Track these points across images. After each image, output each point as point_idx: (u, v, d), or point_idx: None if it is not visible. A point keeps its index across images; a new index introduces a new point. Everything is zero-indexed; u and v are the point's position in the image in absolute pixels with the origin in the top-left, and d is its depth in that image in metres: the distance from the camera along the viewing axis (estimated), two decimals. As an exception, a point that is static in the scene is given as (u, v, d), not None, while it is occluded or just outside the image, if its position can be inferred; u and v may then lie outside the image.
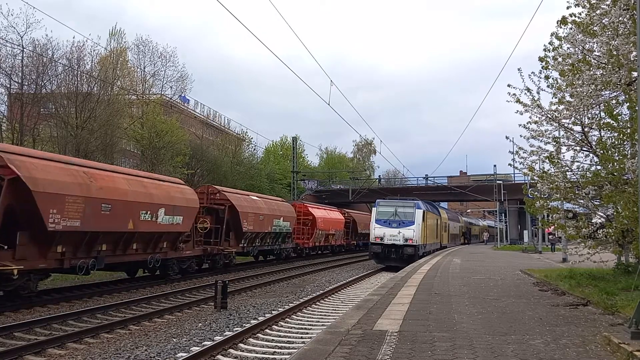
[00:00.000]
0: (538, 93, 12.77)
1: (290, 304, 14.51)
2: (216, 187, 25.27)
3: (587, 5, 11.43)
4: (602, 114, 12.42)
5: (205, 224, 22.52)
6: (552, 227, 16.29)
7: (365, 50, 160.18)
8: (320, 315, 13.57)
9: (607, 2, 11.05)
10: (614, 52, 10.73)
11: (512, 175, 53.66)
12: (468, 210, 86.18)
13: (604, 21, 11.05)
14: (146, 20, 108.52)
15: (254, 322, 11.76)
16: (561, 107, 12.58)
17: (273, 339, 10.51)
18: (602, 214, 13.75)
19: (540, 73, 12.63)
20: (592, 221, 13.73)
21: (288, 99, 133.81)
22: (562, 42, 12.24)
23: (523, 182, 35.25)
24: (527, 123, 13.14)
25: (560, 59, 12.30)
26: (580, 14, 11.70)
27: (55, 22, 77.14)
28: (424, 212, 29.50)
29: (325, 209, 39.74)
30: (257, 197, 29.11)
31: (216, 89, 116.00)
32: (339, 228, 40.61)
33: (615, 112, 11.39)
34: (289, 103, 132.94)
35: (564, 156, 13.56)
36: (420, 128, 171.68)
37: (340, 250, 42.51)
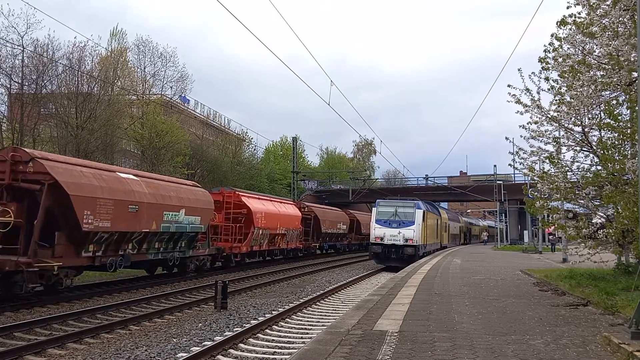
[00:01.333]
0: (538, 93, 12.79)
1: (290, 304, 14.51)
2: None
3: (587, 5, 11.43)
4: (602, 114, 12.42)
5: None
6: (553, 228, 16.29)
7: (366, 50, 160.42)
8: (320, 315, 13.58)
9: (607, 3, 11.05)
10: (614, 53, 10.73)
11: (512, 175, 53.67)
12: (468, 211, 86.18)
13: (604, 22, 11.05)
14: (147, 21, 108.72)
15: (254, 322, 11.76)
16: (561, 107, 12.59)
17: (273, 339, 10.52)
18: (602, 214, 13.75)
19: (541, 73, 12.65)
20: (593, 221, 13.72)
21: (289, 99, 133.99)
22: (562, 42, 12.25)
23: (523, 182, 35.26)
24: (527, 123, 13.15)
25: (560, 60, 12.30)
26: (579, 13, 11.71)
27: (56, 22, 77.12)
28: (424, 212, 29.50)
29: (270, 200, 29.77)
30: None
31: (217, 89, 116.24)
32: (292, 226, 30.96)
33: (615, 113, 11.38)
34: (290, 103, 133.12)
35: (564, 156, 13.57)
36: (420, 128, 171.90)
37: (295, 254, 33.22)
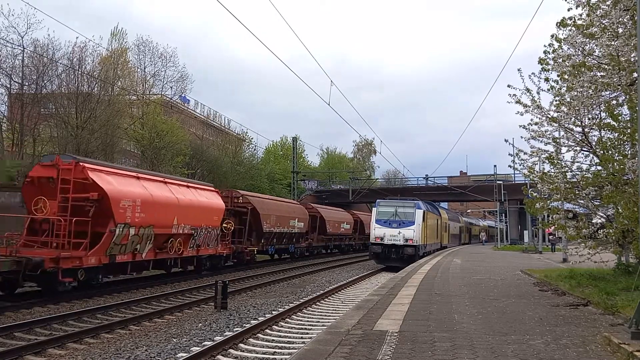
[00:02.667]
0: (538, 94, 12.79)
1: (290, 304, 14.51)
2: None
3: (587, 6, 11.42)
4: (603, 114, 12.43)
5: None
6: (553, 228, 16.30)
7: (367, 50, 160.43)
8: (321, 315, 13.58)
9: (607, 3, 11.06)
10: (614, 54, 10.73)
11: (512, 175, 53.67)
12: (468, 211, 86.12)
13: (604, 22, 11.05)
14: (150, 21, 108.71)
15: (254, 322, 11.76)
16: (562, 108, 12.59)
17: (273, 339, 10.52)
18: (602, 214, 13.75)
19: (541, 74, 12.65)
20: (593, 221, 13.73)
21: (291, 99, 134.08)
22: (562, 43, 12.25)
23: (523, 182, 35.24)
24: (528, 124, 13.16)
25: (560, 61, 12.30)
26: (580, 15, 11.71)
27: (57, 22, 77.14)
28: (424, 212, 29.50)
29: (160, 182, 19.00)
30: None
31: (219, 89, 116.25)
32: (208, 223, 21.19)
33: (615, 113, 11.38)
34: (292, 103, 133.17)
35: (564, 157, 13.57)
36: (421, 128, 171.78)
37: (215, 265, 22.88)
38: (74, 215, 14.50)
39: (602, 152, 12.13)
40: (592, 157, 13.15)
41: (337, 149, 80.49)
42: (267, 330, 11.23)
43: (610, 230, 12.12)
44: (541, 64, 12.56)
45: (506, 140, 16.06)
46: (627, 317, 8.15)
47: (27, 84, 28.39)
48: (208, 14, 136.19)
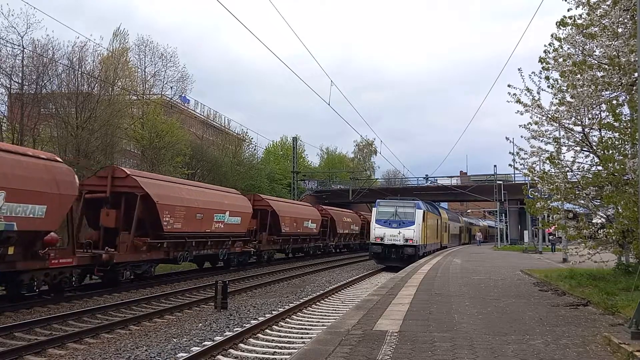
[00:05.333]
0: (538, 93, 12.78)
1: (290, 304, 14.50)
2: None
3: (587, 5, 11.42)
4: (603, 114, 12.42)
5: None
6: (553, 228, 16.29)
7: (369, 50, 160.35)
8: (321, 315, 13.57)
9: (607, 3, 11.05)
10: (614, 54, 10.73)
11: (513, 175, 53.65)
12: (468, 211, 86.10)
13: (604, 22, 11.05)
14: (155, 22, 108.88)
15: (254, 322, 11.76)
16: (562, 107, 12.58)
17: (273, 339, 10.52)
18: (602, 215, 13.75)
19: (541, 73, 12.64)
20: (593, 221, 13.72)
21: (294, 99, 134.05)
22: (562, 43, 12.24)
23: (523, 182, 35.20)
24: (528, 124, 13.15)
25: (560, 60, 12.30)
26: (580, 15, 11.71)
27: (58, 23, 77.12)
28: (424, 212, 29.49)
29: None
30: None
31: (222, 90, 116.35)
32: None
33: (617, 112, 11.38)
34: (295, 103, 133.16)
35: (564, 157, 13.56)
36: (423, 128, 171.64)
37: None
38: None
39: (602, 152, 12.13)
40: (593, 157, 13.16)
41: (338, 149, 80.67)
42: (267, 330, 11.23)
43: (611, 230, 12.11)
44: (541, 63, 12.56)
45: (507, 139, 16.04)
46: (627, 317, 8.15)
47: (27, 84, 28.33)
48: (212, 15, 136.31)
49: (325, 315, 13.51)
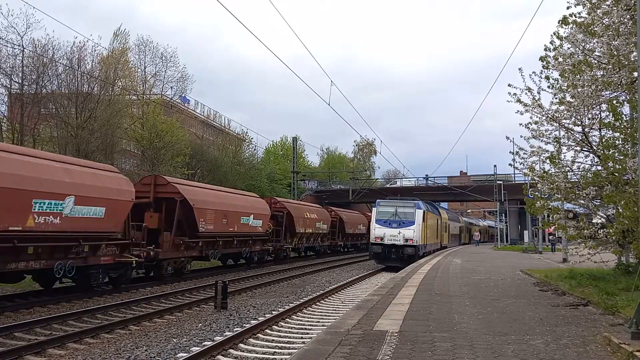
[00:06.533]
0: (539, 93, 12.78)
1: (290, 304, 14.50)
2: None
3: (588, 5, 11.42)
4: (603, 113, 12.42)
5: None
6: (553, 228, 16.28)
7: (369, 50, 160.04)
8: (321, 315, 13.57)
9: (608, 2, 11.05)
10: (615, 53, 10.72)
11: (513, 175, 53.61)
12: (468, 211, 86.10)
13: (604, 21, 11.04)
14: (155, 22, 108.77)
15: (254, 322, 11.75)
16: (562, 107, 12.58)
17: (273, 339, 10.51)
18: (602, 214, 13.74)
19: (541, 73, 12.64)
20: (593, 221, 13.71)
21: (294, 99, 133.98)
22: (563, 41, 12.24)
23: (523, 182, 35.18)
24: (528, 123, 13.15)
25: (560, 59, 12.29)
26: (580, 13, 11.71)
27: (58, 23, 77.13)
28: (424, 212, 29.48)
29: None
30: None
31: (223, 90, 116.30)
32: None
33: (617, 111, 11.37)
34: (295, 103, 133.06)
35: (564, 156, 13.55)
36: (424, 128, 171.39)
37: None
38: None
39: (602, 151, 12.12)
40: (593, 157, 13.15)
41: (338, 149, 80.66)
42: (267, 330, 11.22)
43: (611, 230, 12.11)
44: (542, 62, 12.55)
45: (507, 138, 16.04)
46: (627, 317, 8.15)
47: (27, 84, 28.34)
48: (212, 15, 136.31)
49: (325, 315, 13.51)
